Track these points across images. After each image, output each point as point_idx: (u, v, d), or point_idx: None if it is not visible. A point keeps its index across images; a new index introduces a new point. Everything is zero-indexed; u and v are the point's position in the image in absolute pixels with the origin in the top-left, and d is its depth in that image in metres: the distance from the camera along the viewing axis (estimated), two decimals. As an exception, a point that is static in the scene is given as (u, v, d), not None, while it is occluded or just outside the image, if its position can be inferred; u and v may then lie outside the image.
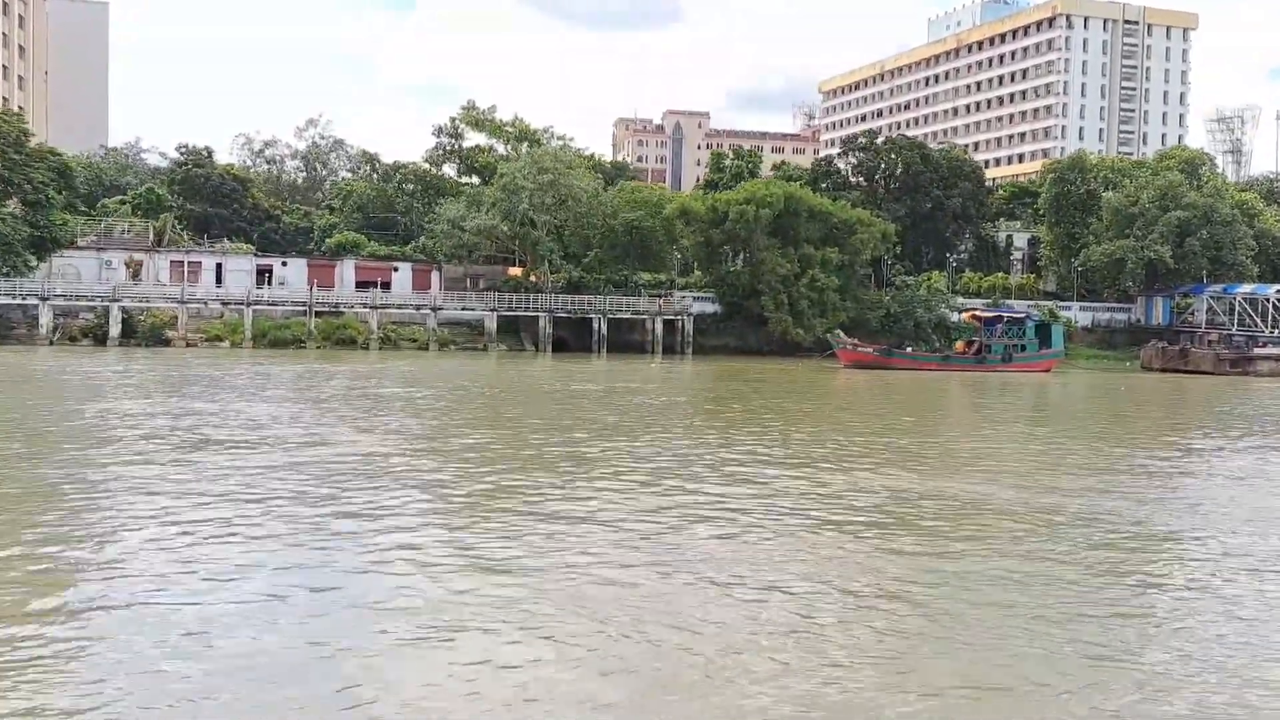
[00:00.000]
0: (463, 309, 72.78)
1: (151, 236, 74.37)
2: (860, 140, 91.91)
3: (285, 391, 37.66)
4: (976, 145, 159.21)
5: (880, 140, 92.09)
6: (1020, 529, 16.40)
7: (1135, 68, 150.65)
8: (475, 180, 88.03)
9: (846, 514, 17.17)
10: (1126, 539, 15.93)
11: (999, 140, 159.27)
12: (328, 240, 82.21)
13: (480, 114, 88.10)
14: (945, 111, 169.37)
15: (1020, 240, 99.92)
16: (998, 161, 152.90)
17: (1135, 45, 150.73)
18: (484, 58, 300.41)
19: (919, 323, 78.69)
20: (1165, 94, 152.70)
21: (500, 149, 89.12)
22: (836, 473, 21.51)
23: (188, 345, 64.25)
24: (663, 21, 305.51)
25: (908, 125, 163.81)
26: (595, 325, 74.37)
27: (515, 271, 78.51)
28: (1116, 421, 37.89)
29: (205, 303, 68.31)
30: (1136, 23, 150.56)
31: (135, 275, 70.20)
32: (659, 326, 75.66)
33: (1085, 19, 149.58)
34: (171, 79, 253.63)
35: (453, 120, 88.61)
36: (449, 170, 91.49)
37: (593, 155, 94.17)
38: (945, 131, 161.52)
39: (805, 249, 75.49)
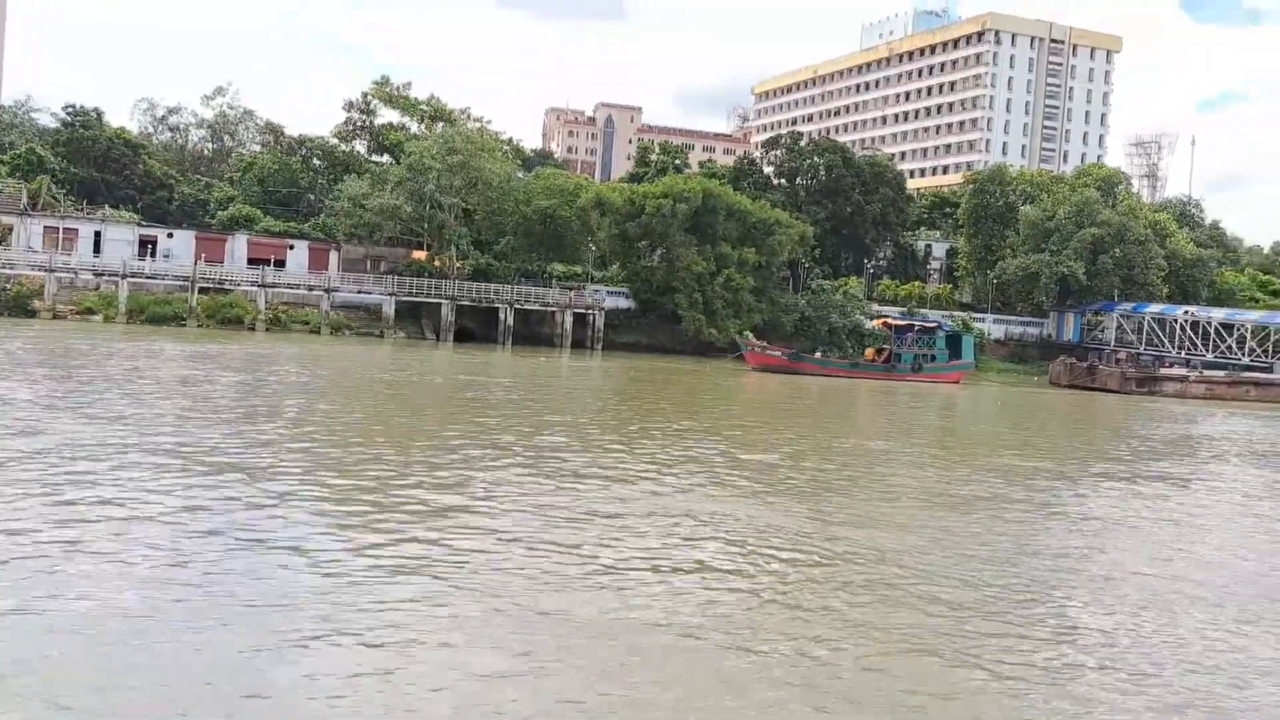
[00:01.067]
0: (359, 292, 69.57)
1: (25, 199, 69.70)
2: (783, 140, 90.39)
3: (92, 371, 34.38)
4: (903, 155, 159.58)
5: (803, 142, 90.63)
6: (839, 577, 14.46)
7: (1059, 86, 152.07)
8: (386, 159, 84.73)
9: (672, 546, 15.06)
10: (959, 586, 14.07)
11: (924, 150, 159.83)
12: (220, 213, 78.22)
13: (394, 90, 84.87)
14: (874, 119, 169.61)
15: (939, 250, 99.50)
16: (922, 172, 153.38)
17: (1060, 64, 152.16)
18: (413, 32, 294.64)
19: (833, 328, 77.46)
20: (1087, 114, 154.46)
21: (414, 128, 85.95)
22: (677, 494, 19.45)
23: (55, 317, 60.13)
24: (604, 14, 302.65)
25: (837, 131, 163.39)
26: (501, 316, 71.74)
27: (420, 255, 75.49)
28: (982, 442, 36.51)
29: (76, 273, 64.05)
30: (1062, 42, 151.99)
31: (2, 240, 65.64)
32: (569, 320, 73.32)
33: (1013, 35, 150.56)
34: (84, 40, 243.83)
35: (365, 95, 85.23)
36: (359, 147, 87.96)
37: (511, 139, 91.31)
38: (874, 139, 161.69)
39: (722, 247, 73.83)
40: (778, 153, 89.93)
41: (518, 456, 22.00)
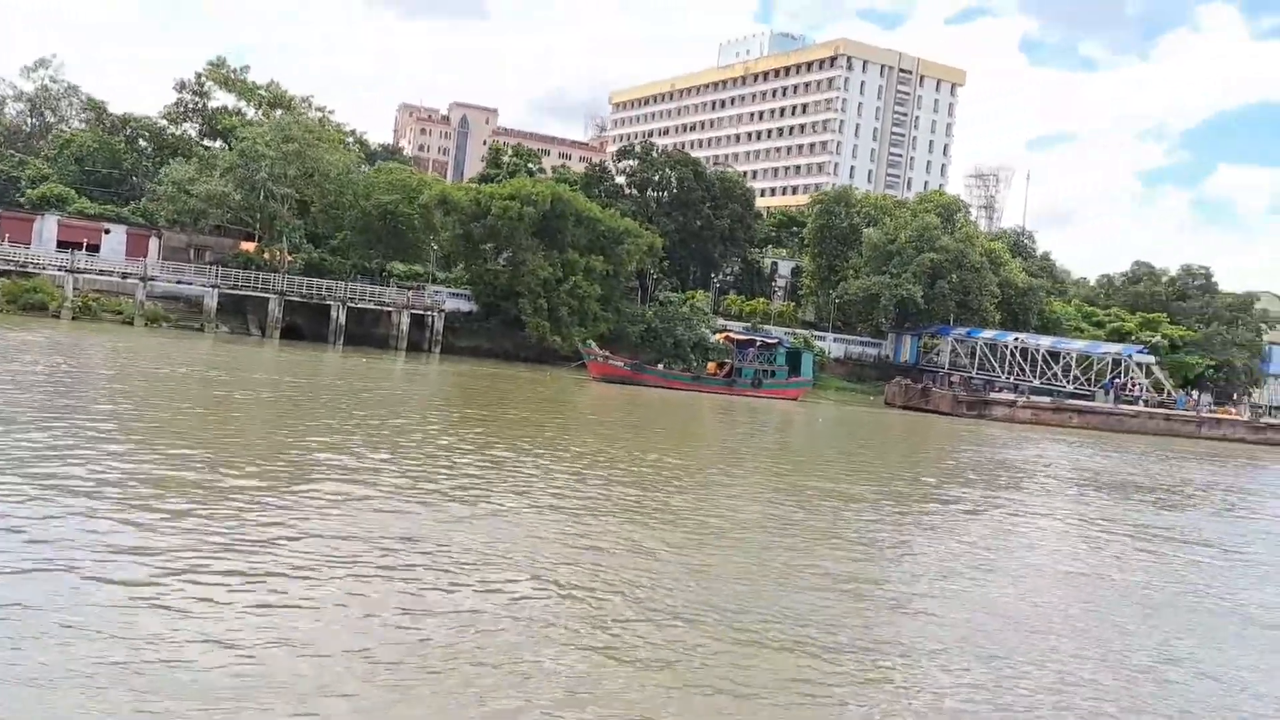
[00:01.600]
0: (179, 282, 65.34)
1: None
2: (635, 149, 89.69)
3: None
4: (755, 173, 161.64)
5: (655, 153, 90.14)
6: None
7: (905, 115, 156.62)
8: (219, 145, 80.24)
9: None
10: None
11: (775, 170, 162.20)
12: (30, 192, 72.56)
13: (230, 72, 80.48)
14: (728, 136, 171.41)
15: (785, 268, 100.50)
16: (773, 191, 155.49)
17: (908, 94, 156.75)
18: (268, 21, 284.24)
19: (679, 340, 76.85)
20: (930, 143, 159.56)
21: (251, 113, 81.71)
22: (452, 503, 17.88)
23: None
24: (466, 13, 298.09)
25: (692, 146, 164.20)
26: (334, 314, 68.54)
27: (248, 247, 71.60)
28: (798, 461, 36.15)
29: None
30: (910, 72, 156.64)
31: None
32: (405, 321, 70.61)
33: (864, 63, 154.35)
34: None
35: (198, 75, 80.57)
36: (191, 131, 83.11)
37: (354, 131, 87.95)
38: (727, 156, 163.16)
39: (570, 254, 72.42)
40: (630, 162, 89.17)
41: (250, 467, 19.98)
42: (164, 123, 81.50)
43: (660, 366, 64.23)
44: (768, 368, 63.29)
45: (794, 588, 14.64)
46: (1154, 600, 16.94)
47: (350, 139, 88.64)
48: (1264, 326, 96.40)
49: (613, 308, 75.37)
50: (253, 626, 10.60)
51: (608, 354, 61.97)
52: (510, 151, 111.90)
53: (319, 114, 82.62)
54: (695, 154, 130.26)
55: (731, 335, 66.01)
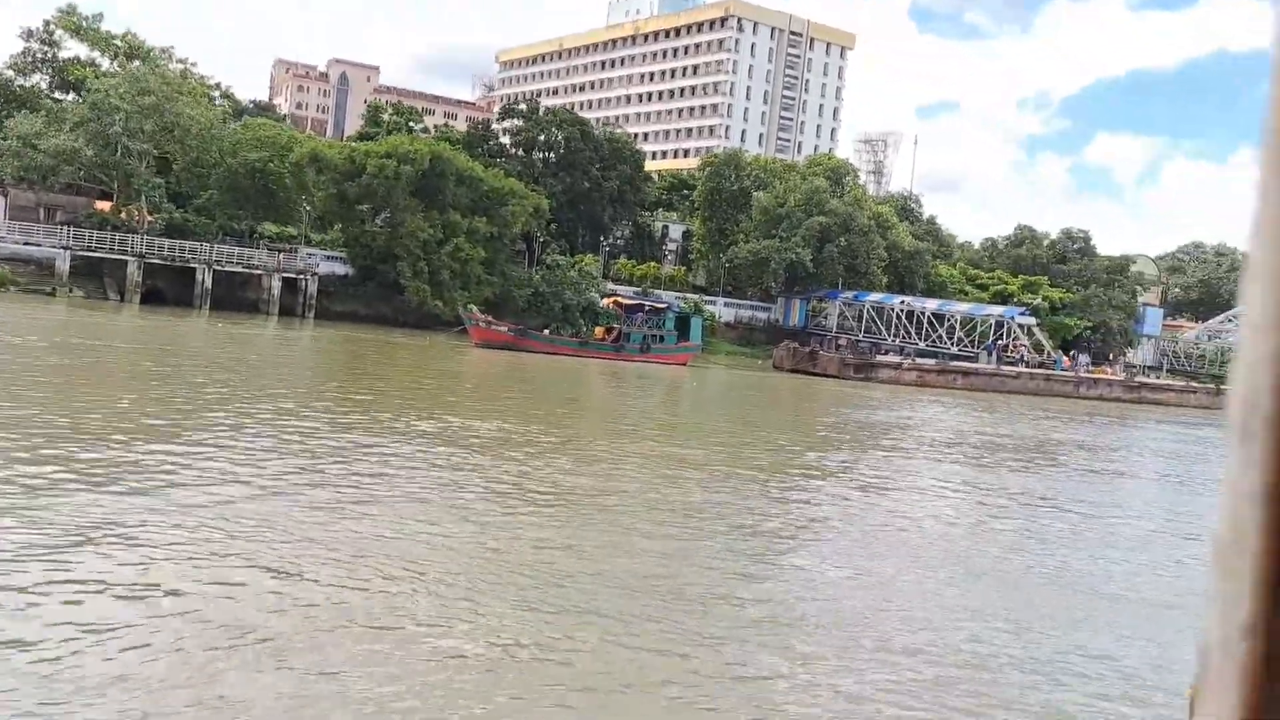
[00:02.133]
0: (26, 244, 60.86)
1: None
2: (520, 107, 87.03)
3: None
4: (645, 135, 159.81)
5: (541, 111, 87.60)
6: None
7: (796, 78, 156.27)
8: (71, 97, 75.01)
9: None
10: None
11: (666, 133, 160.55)
12: None
13: (82, 20, 75.16)
14: (618, 98, 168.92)
15: (676, 231, 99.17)
16: (664, 154, 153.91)
17: (798, 56, 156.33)
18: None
19: (567, 305, 74.99)
20: (820, 107, 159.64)
21: (106, 65, 76.58)
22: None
23: None
24: None
25: (582, 107, 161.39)
26: (199, 277, 64.82)
27: (104, 206, 67.16)
28: (670, 426, 34.98)
29: None
30: (801, 34, 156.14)
31: None
32: (277, 285, 67.20)
33: (755, 24, 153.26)
34: None
35: (47, 24, 75.09)
36: (41, 83, 77.59)
37: (220, 85, 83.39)
38: (617, 118, 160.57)
39: (452, 215, 69.79)
40: (515, 121, 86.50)
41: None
42: (10, 74, 75.86)
43: (546, 332, 62.30)
44: (656, 333, 61.92)
45: (629, 576, 13.15)
46: (977, 565, 16.01)
47: (216, 93, 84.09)
48: (1139, 289, 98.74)
49: (498, 271, 73.07)
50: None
51: (490, 319, 59.79)
52: (390, 109, 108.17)
53: (180, 66, 77.95)
54: (585, 115, 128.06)
55: (619, 300, 64.42)
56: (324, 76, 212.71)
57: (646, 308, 63.69)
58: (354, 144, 74.30)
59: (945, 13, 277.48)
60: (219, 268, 65.62)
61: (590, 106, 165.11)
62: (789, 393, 51.90)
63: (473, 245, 69.73)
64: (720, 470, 22.79)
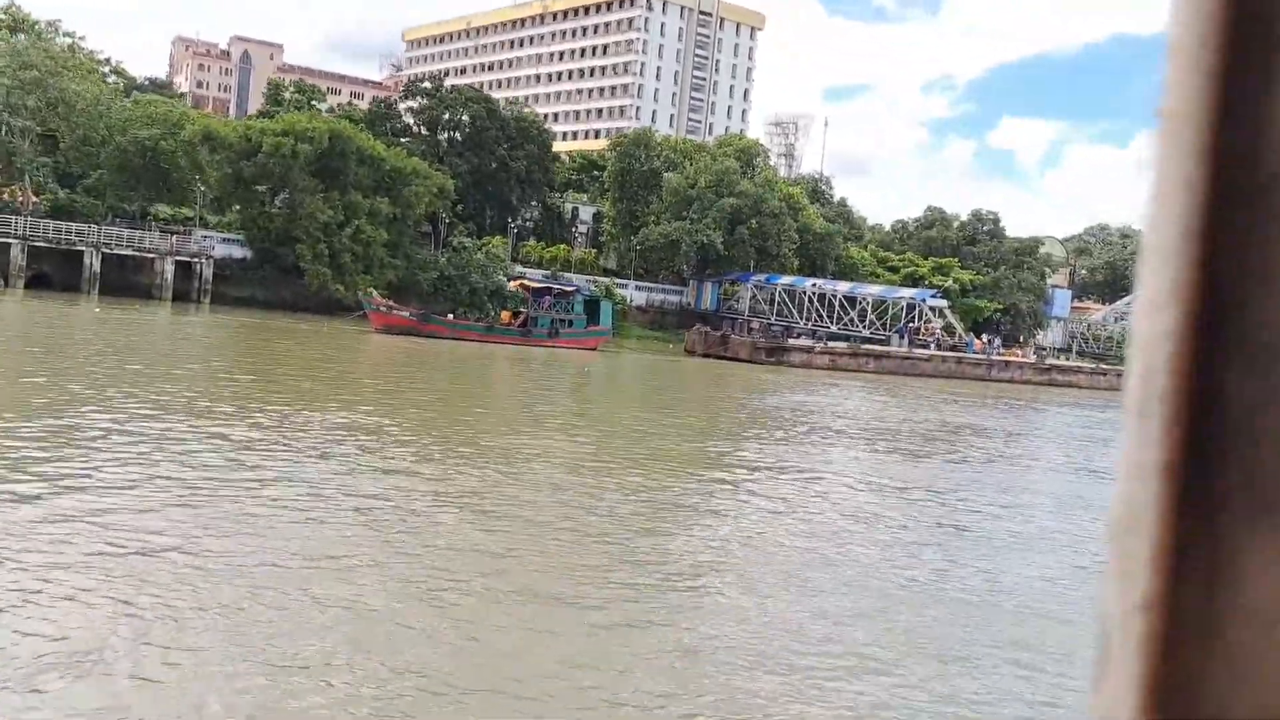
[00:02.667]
0: (-106, 226, 57.33)
1: None
2: (425, 85, 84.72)
3: None
4: (555, 116, 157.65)
5: (446, 89, 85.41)
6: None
7: (707, 59, 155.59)
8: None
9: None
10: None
11: (576, 113, 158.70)
12: None
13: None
14: (528, 77, 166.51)
15: (586, 214, 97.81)
16: (575, 135, 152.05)
17: (708, 36, 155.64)
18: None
19: (474, 289, 73.28)
20: (731, 88, 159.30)
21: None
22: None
23: None
24: None
25: (491, 86, 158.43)
26: (87, 261, 61.73)
27: (-17, 186, 63.68)
28: (566, 415, 34.03)
29: None
30: (710, 14, 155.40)
31: None
32: (170, 269, 64.34)
33: (664, 3, 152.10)
34: None
35: (-81, -7, 70.74)
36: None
37: (110, 60, 79.65)
38: (527, 98, 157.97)
39: (353, 196, 67.57)
40: (419, 99, 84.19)
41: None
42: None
43: (450, 316, 60.55)
44: (565, 317, 60.60)
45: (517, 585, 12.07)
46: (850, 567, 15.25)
47: (106, 69, 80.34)
48: (1047, 270, 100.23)
49: (402, 254, 71.07)
50: None
51: (391, 303, 57.87)
52: (292, 88, 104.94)
53: (68, 40, 74.23)
54: (494, 95, 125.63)
55: (526, 283, 62.89)
56: (225, 55, 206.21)
57: (555, 291, 62.32)
58: (250, 122, 71.47)
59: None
60: (108, 251, 62.63)
61: (499, 86, 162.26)
62: (699, 379, 51.12)
63: (375, 227, 67.67)
64: (609, 470, 21.77)
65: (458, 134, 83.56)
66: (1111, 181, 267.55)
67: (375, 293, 58.58)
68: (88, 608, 10.05)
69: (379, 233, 67.78)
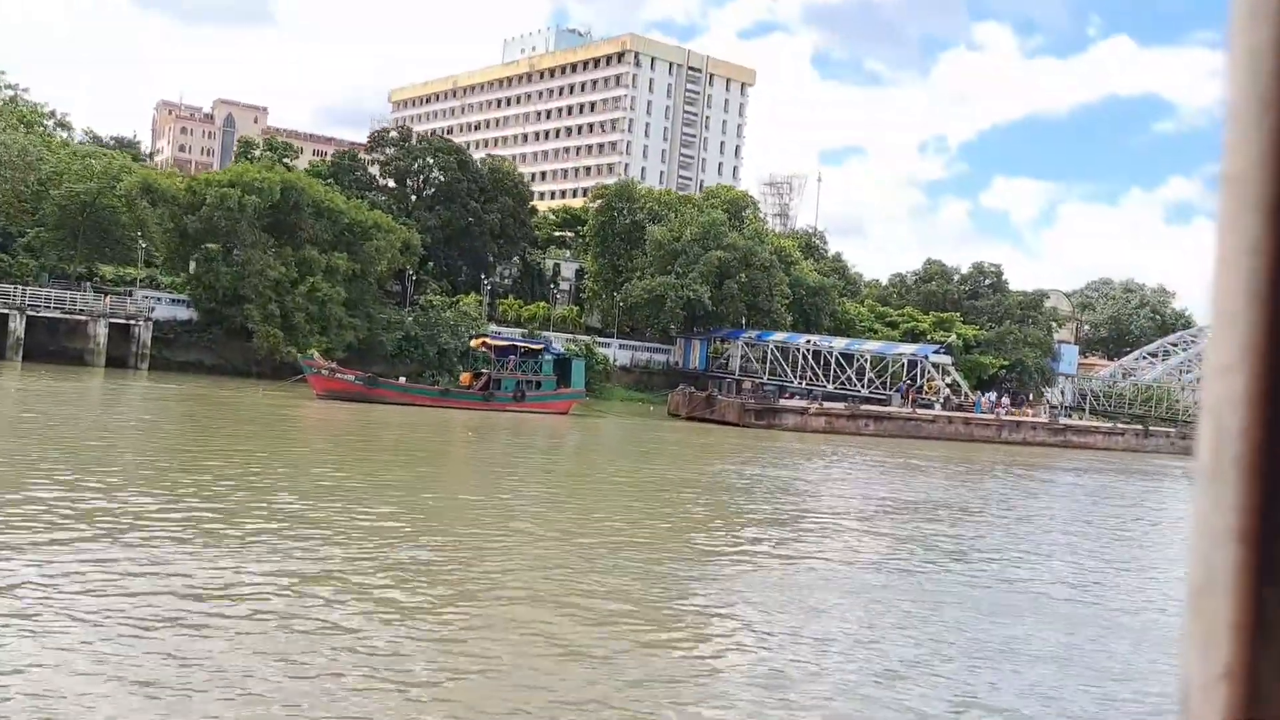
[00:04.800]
0: None
1: None
2: (392, 134, 80.00)
3: None
4: (544, 175, 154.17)
5: (415, 140, 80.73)
6: None
7: (696, 114, 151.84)
8: None
9: None
10: None
11: (565, 172, 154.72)
12: None
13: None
14: (515, 136, 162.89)
15: (568, 270, 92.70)
16: (563, 193, 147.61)
17: (698, 93, 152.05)
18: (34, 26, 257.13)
19: (444, 350, 67.90)
20: (722, 144, 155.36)
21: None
22: None
23: None
24: (252, 18, 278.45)
25: (477, 145, 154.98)
26: (11, 325, 56.38)
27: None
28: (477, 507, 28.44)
29: None
30: (700, 70, 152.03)
31: None
32: (103, 332, 58.96)
33: (653, 60, 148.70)
34: None
35: None
36: None
37: (55, 113, 75.06)
38: (515, 157, 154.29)
39: (308, 251, 62.54)
40: (387, 150, 79.46)
41: None
42: None
43: (403, 380, 54.78)
44: (532, 378, 54.81)
45: None
46: None
47: (51, 121, 75.75)
48: (1054, 325, 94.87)
49: (363, 313, 65.82)
50: None
51: (334, 366, 52.13)
52: (264, 144, 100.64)
53: (9, 91, 69.82)
54: (481, 155, 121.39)
55: (489, 341, 57.11)
56: (209, 118, 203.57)
57: (521, 349, 56.57)
58: (196, 175, 66.60)
59: (845, 60, 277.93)
60: (34, 314, 57.27)
61: (487, 145, 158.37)
62: (677, 447, 45.28)
63: (332, 285, 62.59)
64: (537, 592, 16.15)
65: (428, 187, 78.72)
66: (1103, 239, 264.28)
67: (316, 354, 52.94)
68: None
69: (336, 290, 62.67)
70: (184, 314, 63.87)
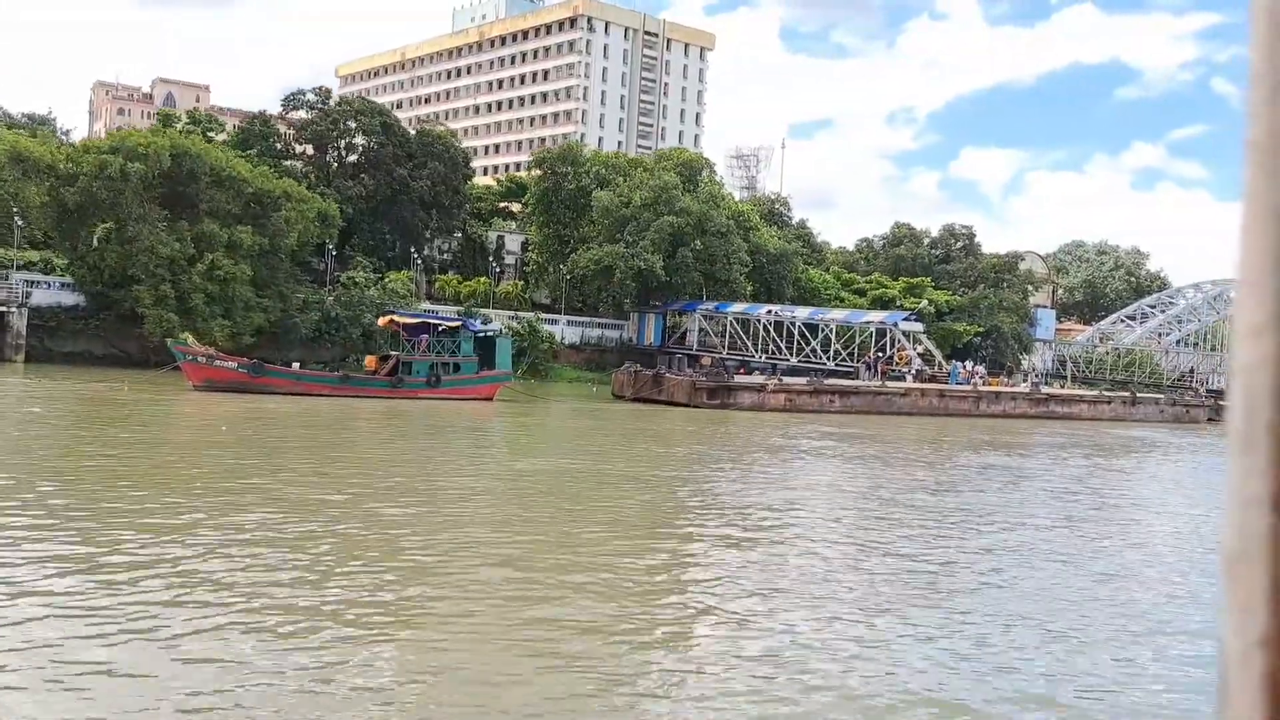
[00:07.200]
0: None
1: None
2: (308, 96, 73.01)
3: None
4: (498, 147, 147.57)
5: (334, 101, 73.86)
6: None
7: (654, 81, 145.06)
8: None
9: None
10: None
11: (519, 144, 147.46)
12: None
13: None
14: (467, 108, 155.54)
15: (514, 243, 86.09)
16: (518, 166, 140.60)
17: (655, 58, 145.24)
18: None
19: (369, 331, 61.40)
20: (682, 111, 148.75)
21: None
22: None
23: None
24: (214, 3, 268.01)
25: (429, 119, 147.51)
26: None
27: None
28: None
29: None
30: (656, 35, 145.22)
31: None
32: (-30, 321, 52.28)
33: (606, 24, 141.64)
34: None
35: None
36: None
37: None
38: (467, 129, 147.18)
39: (206, 225, 55.82)
40: (301, 113, 72.56)
41: None
42: None
43: (296, 365, 48.15)
44: (449, 360, 48.24)
45: None
46: None
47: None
48: (1029, 288, 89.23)
49: (275, 293, 59.27)
50: None
51: (213, 352, 45.39)
52: (185, 117, 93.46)
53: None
54: (434, 127, 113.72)
55: (396, 319, 50.41)
56: (148, 98, 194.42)
57: (438, 328, 49.96)
58: (76, 143, 59.72)
59: (812, 32, 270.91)
60: (-114, 301, 50.55)
61: (439, 118, 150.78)
62: (615, 436, 39.03)
63: (235, 262, 55.91)
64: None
65: (350, 153, 71.94)
66: (1071, 206, 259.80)
67: (190, 339, 46.22)
68: None
69: (240, 268, 56.06)
70: (70, 299, 57.14)
